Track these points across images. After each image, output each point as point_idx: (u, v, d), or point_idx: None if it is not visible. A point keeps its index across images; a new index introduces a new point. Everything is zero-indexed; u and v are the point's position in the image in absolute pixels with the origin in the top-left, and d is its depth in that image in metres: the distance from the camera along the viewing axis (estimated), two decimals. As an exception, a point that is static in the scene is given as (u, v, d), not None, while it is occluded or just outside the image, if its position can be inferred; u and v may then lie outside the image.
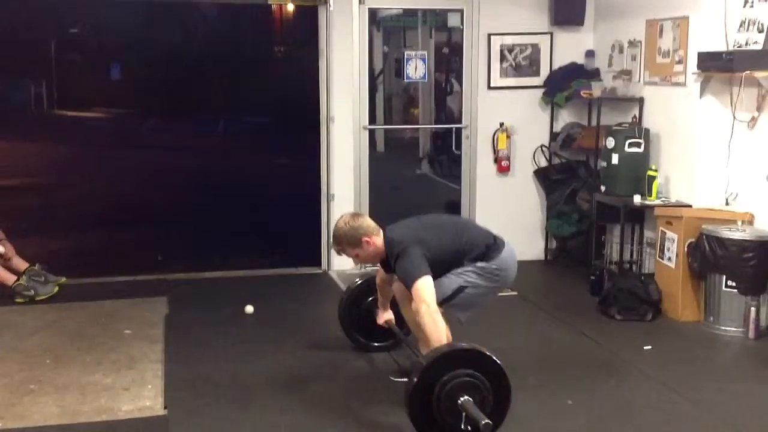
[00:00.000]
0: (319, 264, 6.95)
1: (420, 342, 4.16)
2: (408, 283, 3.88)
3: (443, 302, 3.97)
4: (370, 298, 4.78)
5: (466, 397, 3.54)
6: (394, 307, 4.58)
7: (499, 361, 3.67)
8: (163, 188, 10.64)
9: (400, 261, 3.93)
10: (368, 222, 4.11)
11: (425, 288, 3.82)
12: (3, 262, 5.98)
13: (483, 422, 3.45)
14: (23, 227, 7.33)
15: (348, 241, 4.06)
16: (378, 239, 4.07)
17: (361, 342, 4.87)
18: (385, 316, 4.57)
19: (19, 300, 5.84)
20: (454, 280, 4.06)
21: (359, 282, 4.89)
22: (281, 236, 8.02)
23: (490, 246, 4.15)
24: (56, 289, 6.01)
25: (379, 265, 4.39)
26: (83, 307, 5.75)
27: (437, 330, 3.78)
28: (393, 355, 4.78)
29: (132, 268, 6.70)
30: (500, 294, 6.08)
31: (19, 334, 5.19)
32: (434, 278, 3.92)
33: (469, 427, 3.53)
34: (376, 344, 4.85)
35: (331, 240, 4.22)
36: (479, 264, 4.09)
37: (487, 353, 3.67)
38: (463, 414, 3.53)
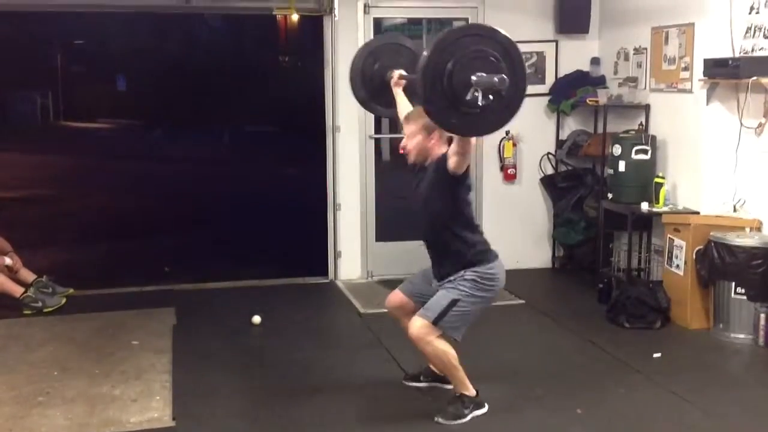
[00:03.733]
0: (326, 274, 6.93)
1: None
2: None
3: (437, 319, 3.94)
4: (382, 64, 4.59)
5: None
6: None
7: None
8: (169, 199, 10.68)
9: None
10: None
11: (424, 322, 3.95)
12: (11, 274, 5.99)
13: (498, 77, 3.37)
14: (31, 239, 7.36)
15: (426, 123, 3.88)
16: (438, 148, 4.00)
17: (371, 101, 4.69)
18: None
19: (26, 312, 5.85)
20: (449, 291, 3.99)
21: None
22: (288, 246, 8.03)
23: (488, 249, 4.11)
24: (64, 300, 6.01)
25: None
26: (91, 318, 5.75)
27: (444, 353, 3.96)
28: (401, 362, 4.76)
29: (139, 279, 6.70)
30: (508, 302, 6.13)
31: (27, 346, 5.19)
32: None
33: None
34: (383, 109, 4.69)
35: (414, 109, 4.09)
36: (477, 269, 3.99)
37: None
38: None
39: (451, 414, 4.03)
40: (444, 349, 3.97)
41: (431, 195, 4.01)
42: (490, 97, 3.43)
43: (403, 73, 4.39)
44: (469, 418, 4.02)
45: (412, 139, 4.04)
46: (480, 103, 3.41)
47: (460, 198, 3.99)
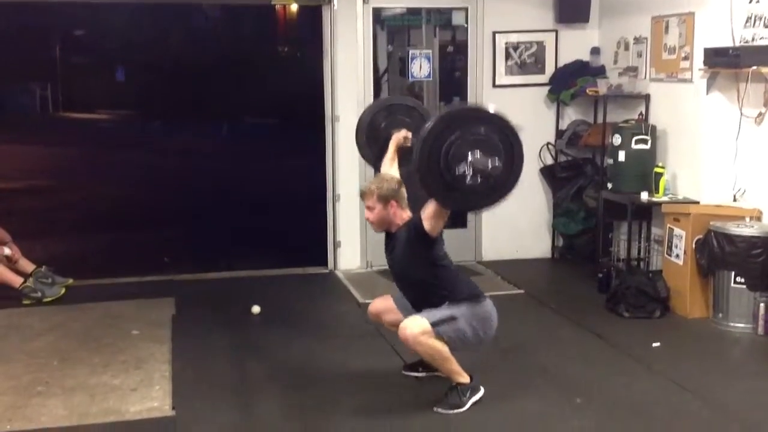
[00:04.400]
0: (325, 264, 6.93)
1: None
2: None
3: (435, 324, 3.93)
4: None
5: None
6: None
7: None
8: (169, 189, 10.67)
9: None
10: (405, 194, 4.13)
11: (423, 321, 3.93)
12: (10, 264, 5.99)
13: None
14: (30, 229, 7.36)
15: (380, 194, 4.06)
16: (401, 213, 4.09)
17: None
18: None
19: (26, 302, 5.85)
20: (448, 308, 3.99)
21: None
22: (287, 236, 8.02)
23: (478, 293, 4.13)
24: (63, 290, 6.01)
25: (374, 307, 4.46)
26: (90, 308, 5.75)
27: (436, 350, 3.93)
28: (400, 353, 4.76)
29: (139, 269, 6.70)
30: (507, 292, 6.14)
31: (26, 336, 5.20)
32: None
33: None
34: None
35: (366, 184, 4.21)
36: (470, 304, 4.02)
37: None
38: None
39: (450, 404, 4.03)
40: (434, 345, 3.94)
41: (408, 263, 4.06)
42: (479, 178, 3.64)
43: (409, 135, 4.43)
44: (468, 405, 4.03)
45: (372, 212, 4.12)
46: (468, 181, 3.63)
47: (437, 257, 4.03)
